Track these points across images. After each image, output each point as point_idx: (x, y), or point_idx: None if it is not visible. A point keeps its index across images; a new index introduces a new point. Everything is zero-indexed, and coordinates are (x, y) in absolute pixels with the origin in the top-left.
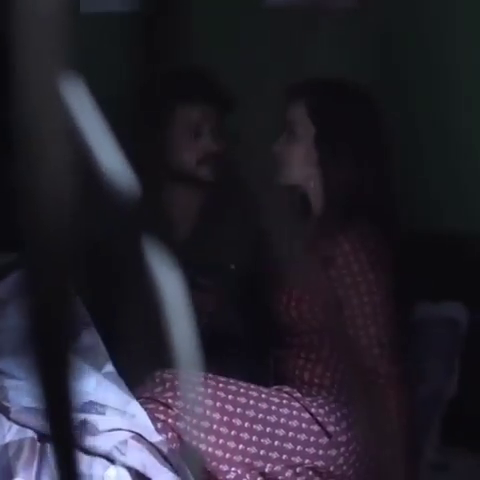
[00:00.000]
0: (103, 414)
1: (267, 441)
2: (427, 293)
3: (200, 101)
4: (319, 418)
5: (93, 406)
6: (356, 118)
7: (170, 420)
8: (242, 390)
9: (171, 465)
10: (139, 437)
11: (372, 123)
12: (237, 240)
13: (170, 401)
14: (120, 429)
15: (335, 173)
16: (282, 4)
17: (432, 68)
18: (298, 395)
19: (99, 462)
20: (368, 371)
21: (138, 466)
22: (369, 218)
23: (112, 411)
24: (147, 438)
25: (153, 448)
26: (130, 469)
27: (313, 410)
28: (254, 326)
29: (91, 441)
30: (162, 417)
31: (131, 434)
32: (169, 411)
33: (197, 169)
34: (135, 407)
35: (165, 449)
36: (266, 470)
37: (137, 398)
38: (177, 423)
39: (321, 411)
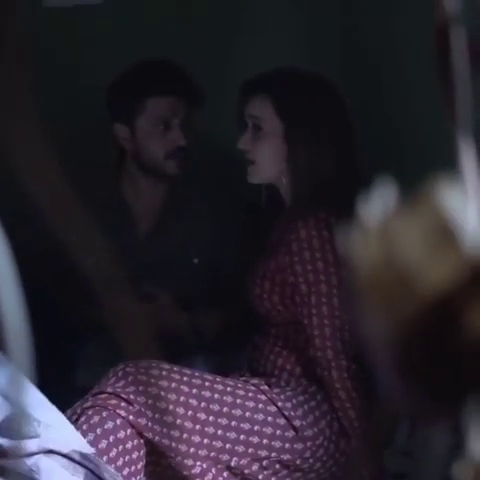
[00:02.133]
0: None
1: (233, 435)
2: None
3: (170, 93)
4: (285, 412)
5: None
6: (323, 110)
7: (131, 417)
8: (207, 383)
9: (87, 469)
10: (50, 453)
11: (338, 114)
12: (201, 235)
13: (132, 397)
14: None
15: (304, 166)
16: None
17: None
18: (265, 387)
19: None
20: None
21: None
22: (336, 209)
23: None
24: (58, 450)
25: (65, 460)
26: None
27: (280, 404)
28: (226, 318)
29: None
30: (123, 413)
31: (43, 452)
32: (130, 407)
33: (165, 162)
34: (51, 416)
35: (78, 457)
36: (232, 464)
37: (99, 393)
38: (138, 419)
39: (288, 405)
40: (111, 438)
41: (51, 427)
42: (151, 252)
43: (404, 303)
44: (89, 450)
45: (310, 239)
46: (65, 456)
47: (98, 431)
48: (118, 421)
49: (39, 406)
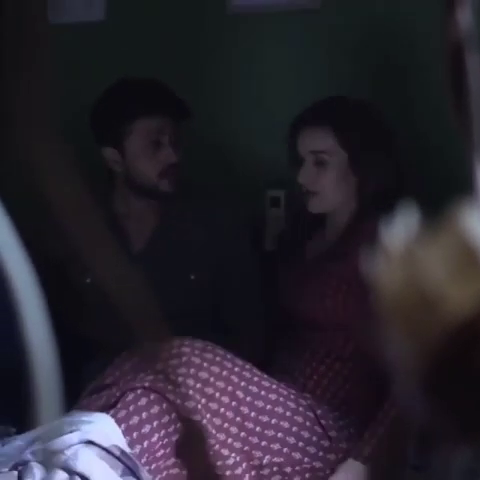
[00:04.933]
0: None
1: (271, 432)
2: None
3: (156, 112)
4: (323, 421)
5: None
6: (376, 134)
7: (178, 401)
8: (256, 379)
9: (125, 466)
10: (90, 444)
11: (387, 134)
12: (198, 250)
13: (180, 379)
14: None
15: (373, 188)
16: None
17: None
18: (306, 394)
19: (59, 474)
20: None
21: (86, 473)
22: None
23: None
24: (98, 443)
25: (104, 452)
26: (83, 477)
27: (319, 411)
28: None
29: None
30: (171, 397)
31: (83, 443)
32: (177, 390)
33: (158, 182)
34: (93, 414)
35: (118, 452)
36: (264, 462)
37: (147, 370)
38: (185, 403)
39: (325, 414)
40: (155, 422)
41: (93, 423)
42: (145, 271)
43: (429, 327)
44: (128, 450)
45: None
46: (105, 449)
47: (143, 415)
48: (164, 405)
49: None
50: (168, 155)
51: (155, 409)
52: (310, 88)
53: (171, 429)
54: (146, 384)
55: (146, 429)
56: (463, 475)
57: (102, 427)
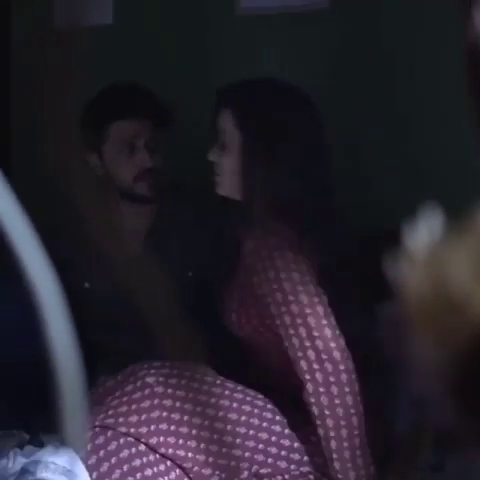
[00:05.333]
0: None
1: (251, 443)
2: None
3: (132, 115)
4: (304, 426)
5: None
6: (288, 126)
7: (143, 434)
8: (227, 392)
9: None
10: None
11: (308, 131)
12: (193, 248)
13: (144, 415)
14: None
15: (256, 183)
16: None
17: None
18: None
19: None
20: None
21: None
22: (299, 227)
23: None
24: None
25: None
26: None
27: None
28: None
29: None
30: (133, 431)
31: None
32: (141, 423)
33: (134, 185)
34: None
35: None
36: (253, 471)
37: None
38: (149, 437)
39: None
40: (113, 460)
41: (68, 472)
42: (143, 272)
43: (455, 330)
44: None
45: (258, 250)
46: None
47: (101, 453)
48: (121, 441)
49: (56, 450)
50: (143, 159)
51: (112, 446)
52: (320, 88)
53: (135, 463)
54: (97, 423)
55: (104, 468)
56: None
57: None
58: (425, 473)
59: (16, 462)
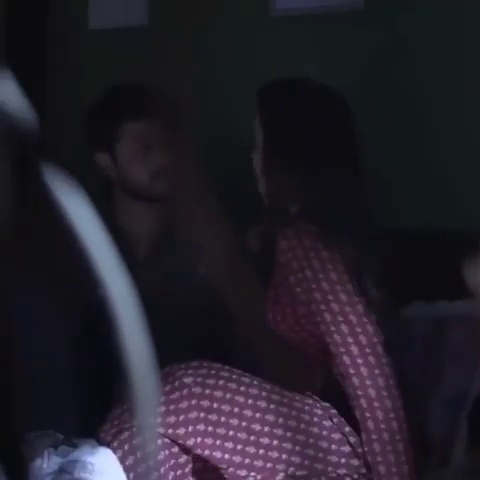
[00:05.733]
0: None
1: (288, 446)
2: (444, 292)
3: (145, 115)
4: (346, 428)
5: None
6: (312, 127)
7: (180, 440)
8: (264, 394)
9: None
10: None
11: (331, 126)
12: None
13: (182, 417)
14: None
15: (274, 182)
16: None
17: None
18: (325, 404)
19: None
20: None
21: None
22: (317, 217)
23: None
24: None
25: None
26: None
27: (335, 419)
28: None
29: None
30: (170, 432)
31: None
32: (178, 424)
33: (151, 184)
34: (106, 461)
35: None
36: (289, 473)
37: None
38: (187, 441)
39: (344, 421)
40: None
41: (106, 472)
42: (154, 274)
43: None
44: None
45: (293, 249)
46: None
47: (139, 454)
48: (159, 442)
49: (93, 450)
50: (159, 157)
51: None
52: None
53: (168, 466)
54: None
55: (142, 468)
56: None
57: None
58: (454, 477)
59: (51, 462)
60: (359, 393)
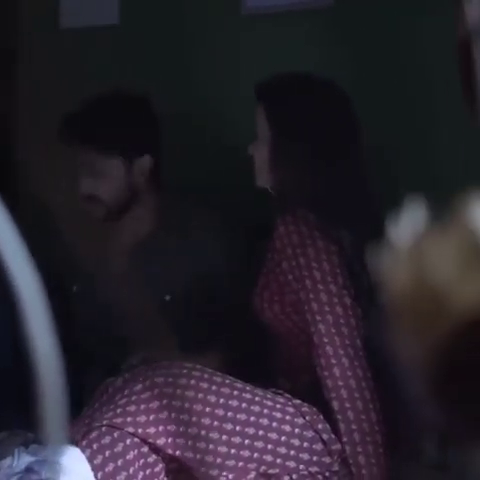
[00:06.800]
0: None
1: (260, 444)
2: None
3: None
4: (315, 425)
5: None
6: (318, 122)
7: (151, 439)
8: (235, 392)
9: None
10: None
11: (338, 128)
12: (174, 269)
13: (152, 417)
14: None
15: (284, 178)
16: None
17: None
18: (296, 401)
19: None
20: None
21: None
22: (316, 206)
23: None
24: None
25: None
26: None
27: (308, 417)
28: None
29: None
30: (140, 431)
31: None
32: (151, 428)
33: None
34: (73, 460)
35: None
36: (260, 471)
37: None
38: (157, 441)
39: (315, 417)
40: (119, 461)
41: (74, 472)
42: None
43: (438, 322)
44: None
45: (289, 235)
46: None
47: (107, 453)
48: (128, 441)
49: (61, 449)
50: (80, 184)
51: (119, 447)
52: None
53: (137, 465)
54: (105, 422)
55: (110, 468)
56: None
57: (83, 476)
58: (430, 472)
59: (21, 461)
60: (340, 383)
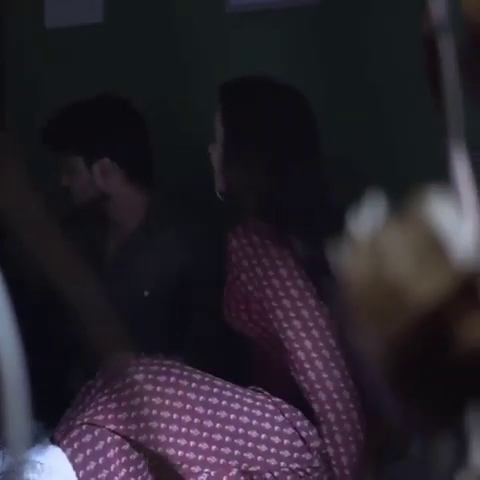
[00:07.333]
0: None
1: (240, 442)
2: None
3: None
4: (298, 423)
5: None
6: (272, 124)
7: (132, 432)
8: (215, 390)
9: None
10: None
11: (289, 125)
12: (155, 266)
13: (134, 411)
14: None
15: (232, 179)
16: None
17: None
18: (276, 399)
19: None
20: None
21: None
22: (267, 215)
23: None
24: None
25: None
26: None
27: (287, 414)
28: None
29: None
30: (114, 427)
31: None
32: (130, 421)
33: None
34: (54, 459)
35: None
36: (242, 468)
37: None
38: (139, 437)
39: (294, 414)
40: (100, 459)
41: (55, 471)
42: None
43: (394, 317)
44: None
45: (243, 248)
46: None
47: (88, 452)
48: (109, 439)
49: (43, 449)
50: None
51: (100, 446)
52: (309, 86)
53: (118, 463)
54: (86, 419)
55: (91, 466)
56: (451, 459)
57: (64, 474)
58: (410, 469)
59: (5, 461)
60: (317, 387)
